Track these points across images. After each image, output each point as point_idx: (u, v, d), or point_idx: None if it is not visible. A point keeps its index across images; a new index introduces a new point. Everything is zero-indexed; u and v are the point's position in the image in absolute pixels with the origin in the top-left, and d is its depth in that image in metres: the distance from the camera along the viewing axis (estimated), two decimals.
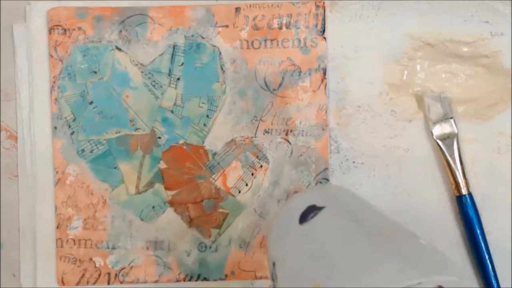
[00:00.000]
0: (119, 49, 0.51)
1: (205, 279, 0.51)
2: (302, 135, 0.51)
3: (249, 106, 0.51)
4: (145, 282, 0.51)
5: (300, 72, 0.51)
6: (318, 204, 0.40)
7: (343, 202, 0.41)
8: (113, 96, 0.51)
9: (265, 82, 0.51)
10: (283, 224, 0.41)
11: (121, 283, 0.51)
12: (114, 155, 0.51)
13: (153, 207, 0.51)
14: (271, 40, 0.51)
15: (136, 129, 0.51)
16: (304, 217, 0.39)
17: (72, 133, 0.51)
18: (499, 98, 0.51)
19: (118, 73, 0.51)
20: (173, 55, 0.51)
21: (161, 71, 0.51)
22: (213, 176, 0.51)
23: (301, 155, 0.51)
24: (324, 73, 0.51)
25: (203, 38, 0.51)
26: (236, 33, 0.51)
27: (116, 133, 0.51)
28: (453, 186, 0.50)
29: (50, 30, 0.51)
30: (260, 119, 0.51)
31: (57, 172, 0.51)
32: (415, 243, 0.37)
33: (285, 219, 0.41)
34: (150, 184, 0.51)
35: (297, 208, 0.40)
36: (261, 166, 0.51)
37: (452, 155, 0.50)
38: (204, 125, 0.51)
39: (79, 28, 0.51)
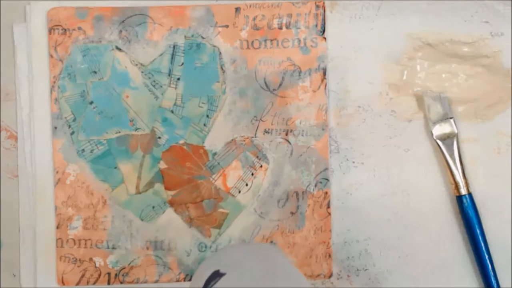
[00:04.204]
0: (119, 49, 0.51)
1: None
2: (302, 135, 0.51)
3: (249, 106, 0.51)
4: (145, 282, 0.51)
5: (300, 72, 0.51)
6: (222, 270, 0.40)
7: (245, 268, 0.40)
8: (113, 96, 0.51)
9: (265, 82, 0.51)
10: None
11: (121, 283, 0.51)
12: (114, 155, 0.51)
13: (153, 207, 0.51)
14: (271, 40, 0.51)
15: (136, 129, 0.51)
16: (207, 284, 0.39)
17: (72, 133, 0.51)
18: (499, 98, 0.51)
19: (118, 73, 0.51)
20: (173, 55, 0.51)
21: (161, 71, 0.51)
22: (213, 176, 0.51)
23: (301, 155, 0.51)
24: (324, 73, 0.51)
25: (203, 38, 0.51)
26: (236, 33, 0.51)
27: (116, 133, 0.51)
28: (453, 186, 0.50)
29: (50, 30, 0.51)
30: (260, 119, 0.51)
31: (57, 172, 0.51)
32: None
33: (193, 285, 0.41)
34: (150, 184, 0.51)
35: (204, 273, 0.40)
36: (261, 166, 0.51)
37: (452, 155, 0.50)
38: (204, 125, 0.51)
39: (79, 28, 0.51)
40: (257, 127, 0.51)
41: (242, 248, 0.43)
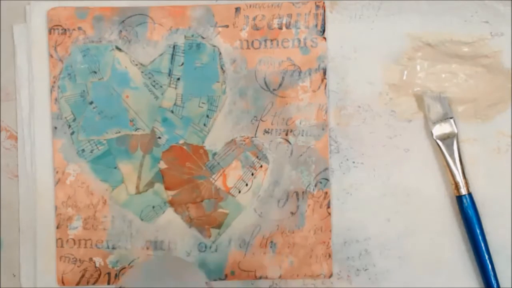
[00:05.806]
0: (119, 49, 0.51)
1: None
2: (302, 135, 0.51)
3: (249, 106, 0.51)
4: None
5: (300, 72, 0.51)
6: None
7: None
8: (113, 96, 0.51)
9: (265, 82, 0.51)
10: None
11: None
12: (114, 155, 0.51)
13: (153, 207, 0.51)
14: (271, 40, 0.51)
15: (136, 129, 0.51)
16: None
17: (72, 133, 0.51)
18: (499, 98, 0.51)
19: (118, 73, 0.51)
20: (173, 55, 0.51)
21: (161, 71, 0.51)
22: (213, 176, 0.51)
23: (301, 155, 0.51)
24: (324, 73, 0.51)
25: (203, 38, 0.51)
26: (236, 33, 0.51)
27: (116, 133, 0.51)
28: (453, 186, 0.50)
29: (50, 30, 0.51)
30: (260, 119, 0.51)
31: (57, 172, 0.51)
32: None
33: None
34: (150, 184, 0.51)
35: None
36: (261, 166, 0.51)
37: (452, 155, 0.50)
38: (204, 125, 0.51)
39: (79, 28, 0.51)
40: (257, 127, 0.51)
41: (154, 263, 0.44)
